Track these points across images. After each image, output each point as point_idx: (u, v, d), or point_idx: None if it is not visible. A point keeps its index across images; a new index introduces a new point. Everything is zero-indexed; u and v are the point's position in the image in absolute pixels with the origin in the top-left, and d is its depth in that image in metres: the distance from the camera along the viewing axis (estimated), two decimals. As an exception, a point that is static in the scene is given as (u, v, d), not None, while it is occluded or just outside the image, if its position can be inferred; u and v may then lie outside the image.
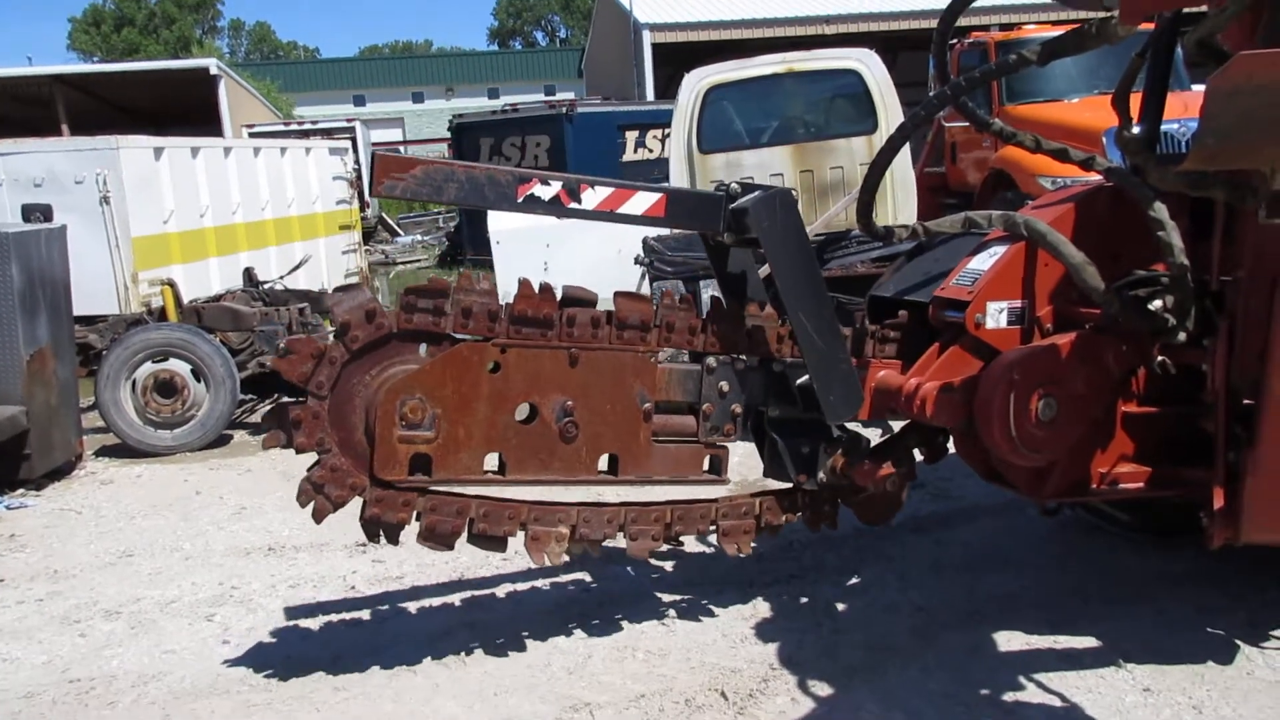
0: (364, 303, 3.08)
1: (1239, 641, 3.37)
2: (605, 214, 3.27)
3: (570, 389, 3.25)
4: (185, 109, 19.32)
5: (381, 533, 3.25)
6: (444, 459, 3.15)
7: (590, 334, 3.26)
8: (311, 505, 3.11)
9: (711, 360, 3.42)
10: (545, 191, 3.17)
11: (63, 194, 8.44)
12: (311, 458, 3.11)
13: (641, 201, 3.29)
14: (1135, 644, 3.38)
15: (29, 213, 7.90)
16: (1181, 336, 3.03)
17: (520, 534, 3.33)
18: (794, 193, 3.41)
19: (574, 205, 3.21)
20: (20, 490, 5.85)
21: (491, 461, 3.27)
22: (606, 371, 3.29)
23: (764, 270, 3.57)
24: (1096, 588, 3.84)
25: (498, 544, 3.35)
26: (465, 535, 3.29)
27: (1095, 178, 3.53)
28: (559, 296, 3.24)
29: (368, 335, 3.08)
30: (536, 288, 3.21)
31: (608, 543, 3.48)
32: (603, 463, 3.39)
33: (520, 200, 3.14)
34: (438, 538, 3.25)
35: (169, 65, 22.04)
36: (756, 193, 3.33)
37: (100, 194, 8.52)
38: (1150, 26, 3.46)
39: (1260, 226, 2.81)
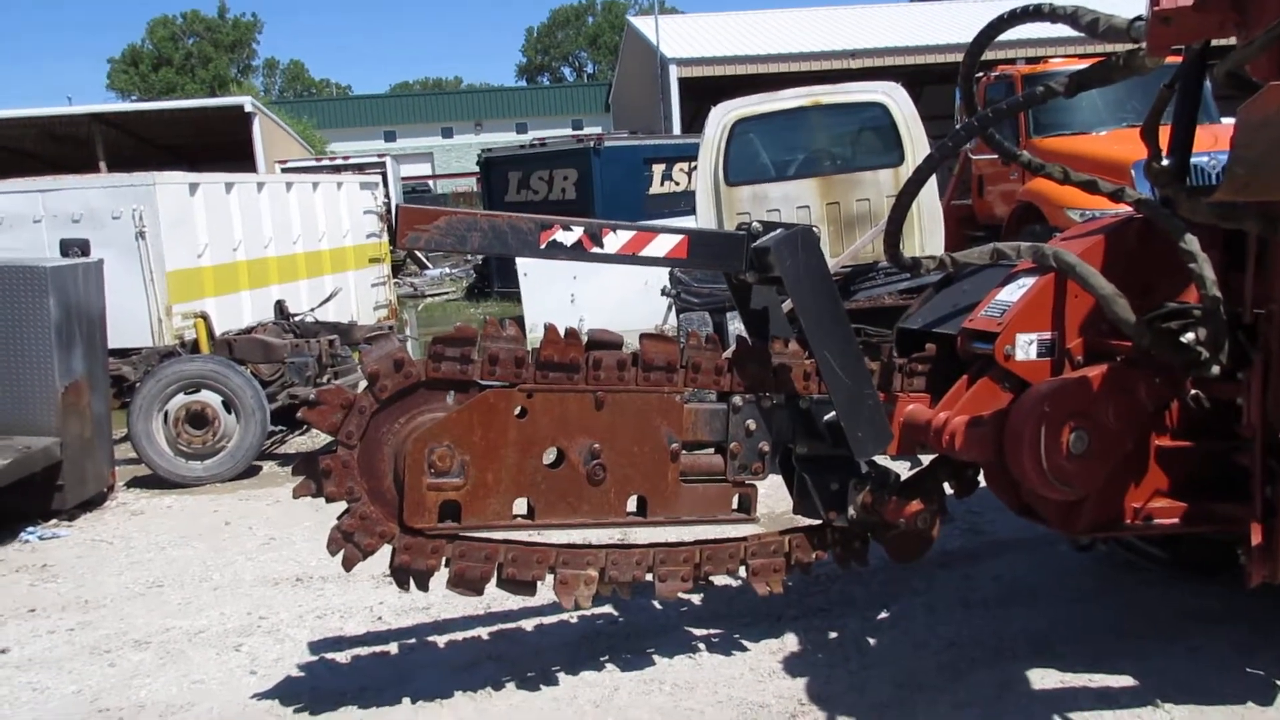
0: (392, 352, 3.11)
1: (1279, 682, 3.29)
2: (628, 257, 3.29)
3: (597, 432, 3.26)
4: (220, 146, 19.69)
5: (411, 579, 3.25)
6: (473, 505, 3.16)
7: (616, 377, 3.27)
8: (341, 554, 3.13)
9: (737, 399, 3.41)
10: (568, 237, 3.20)
11: (100, 229, 8.60)
12: (341, 505, 3.13)
13: (664, 243, 3.31)
14: (1172, 683, 3.31)
15: (67, 248, 8.04)
16: (1215, 370, 2.99)
17: (549, 577, 3.33)
18: (815, 229, 3.41)
19: (597, 250, 3.25)
20: (53, 521, 5.91)
21: (520, 506, 3.28)
22: (632, 413, 3.30)
23: (787, 305, 3.57)
24: (1131, 625, 3.77)
25: (527, 588, 3.35)
26: (495, 580, 3.30)
27: (1125, 210, 3.51)
28: (584, 341, 3.26)
29: (396, 384, 3.11)
30: (562, 332, 3.24)
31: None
32: (631, 504, 3.38)
33: (543, 247, 3.18)
34: (467, 583, 3.25)
35: (205, 103, 22.51)
36: (778, 231, 3.34)
37: (136, 229, 8.69)
38: (1178, 59, 3.45)
39: (1294, 259, 2.78)
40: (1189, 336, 3.01)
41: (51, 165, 17.53)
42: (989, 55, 3.66)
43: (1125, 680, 3.37)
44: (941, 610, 4.01)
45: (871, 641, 3.78)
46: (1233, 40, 2.77)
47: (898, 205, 3.44)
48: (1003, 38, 3.45)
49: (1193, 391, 3.20)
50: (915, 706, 3.29)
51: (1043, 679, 3.41)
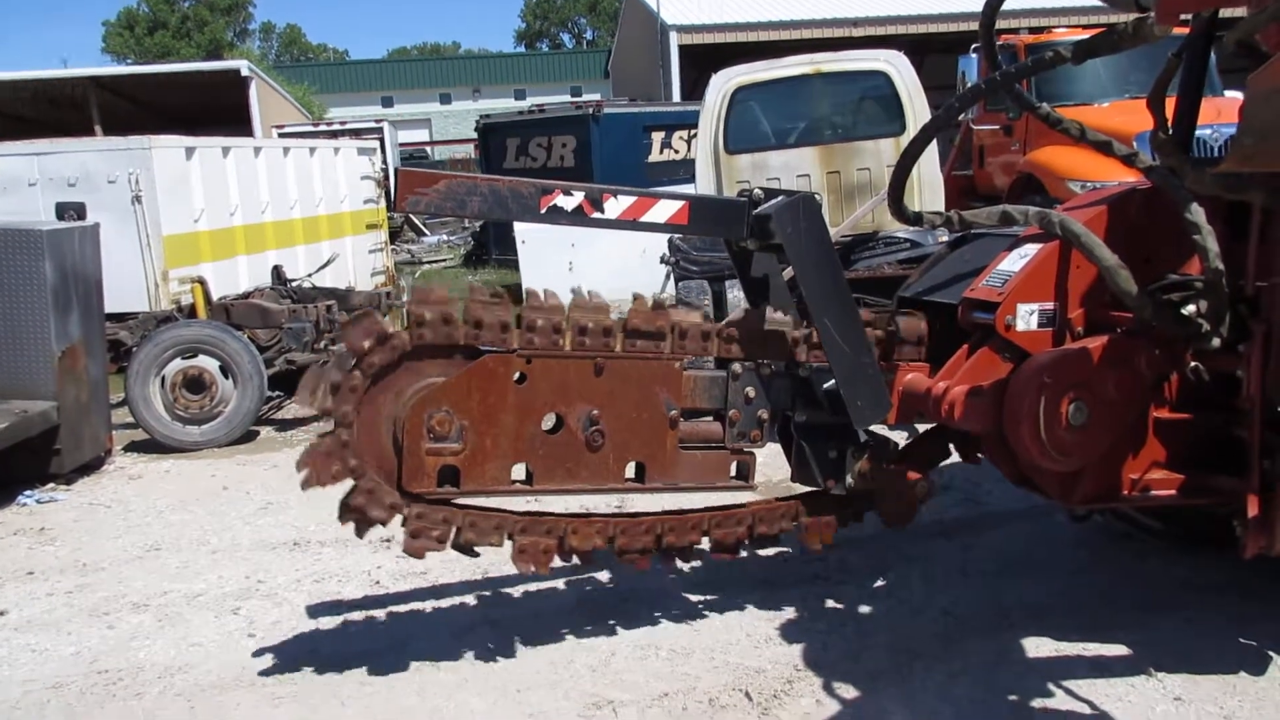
0: (374, 328, 3.06)
1: (1272, 653, 3.32)
2: (628, 223, 3.28)
3: (596, 398, 3.26)
4: (217, 110, 19.51)
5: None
6: (471, 470, 3.16)
7: (611, 344, 3.26)
8: (354, 528, 3.15)
9: (737, 366, 3.41)
10: (568, 202, 3.19)
11: (96, 193, 8.55)
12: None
13: (664, 209, 3.30)
14: (1166, 653, 3.34)
15: (63, 211, 8.00)
16: (1215, 342, 2.99)
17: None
18: (818, 197, 3.40)
19: (597, 215, 3.24)
20: (50, 485, 5.92)
21: (519, 472, 3.29)
22: (632, 380, 3.29)
23: (788, 273, 3.56)
24: (1127, 595, 3.79)
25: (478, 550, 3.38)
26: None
27: (1129, 180, 3.49)
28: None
29: (384, 359, 3.07)
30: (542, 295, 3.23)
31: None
32: (630, 470, 3.39)
33: (543, 211, 3.17)
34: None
35: (201, 67, 22.29)
36: (780, 198, 3.32)
37: (132, 193, 8.63)
38: (1185, 30, 3.42)
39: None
40: (1190, 308, 3.00)
41: (47, 128, 17.39)
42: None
43: (1120, 650, 3.39)
44: (939, 579, 4.03)
45: (867, 610, 3.80)
46: (1241, 10, 2.75)
47: (900, 165, 3.42)
48: (1007, 7, 3.42)
49: (1192, 364, 3.19)
50: (911, 674, 3.31)
51: (1038, 648, 3.43)
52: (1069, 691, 3.15)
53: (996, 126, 10.85)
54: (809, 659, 3.44)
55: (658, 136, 16.73)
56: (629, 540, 3.40)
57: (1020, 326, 3.22)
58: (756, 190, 3.43)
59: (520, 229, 11.41)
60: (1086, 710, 3.06)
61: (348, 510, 3.12)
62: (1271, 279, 2.94)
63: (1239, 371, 3.02)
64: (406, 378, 3.14)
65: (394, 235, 18.47)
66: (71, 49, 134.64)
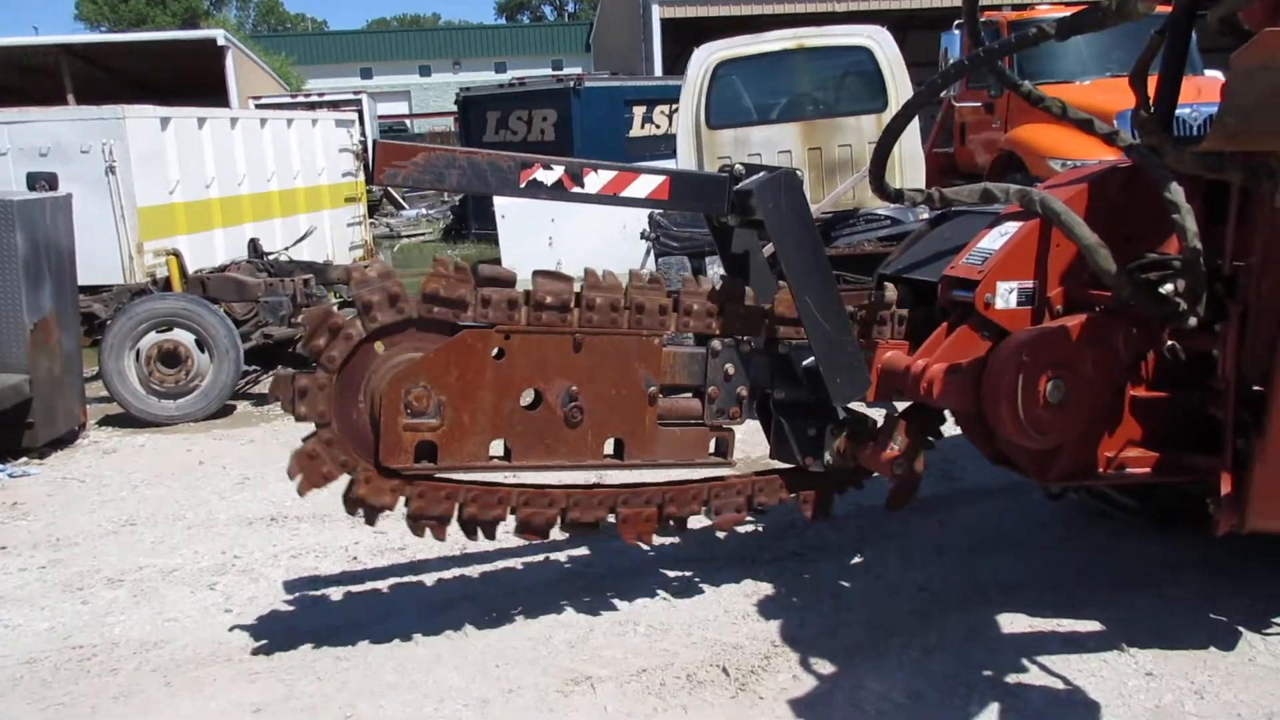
0: (331, 320, 3.02)
1: (1241, 628, 3.36)
2: (609, 197, 3.26)
3: (575, 374, 3.24)
4: (192, 80, 19.21)
5: (362, 512, 3.21)
6: (449, 446, 3.14)
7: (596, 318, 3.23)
8: (300, 477, 3.09)
9: (716, 343, 3.40)
10: (548, 176, 3.16)
11: (68, 163, 8.42)
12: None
13: (645, 184, 3.28)
14: (1138, 628, 3.37)
15: (34, 181, 7.86)
16: (1192, 321, 3.00)
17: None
18: (799, 173, 3.38)
19: (577, 189, 3.22)
20: (23, 459, 5.86)
21: (498, 448, 3.26)
22: (611, 356, 3.28)
23: (768, 249, 3.55)
24: (1101, 572, 3.83)
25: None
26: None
27: (1109, 158, 3.48)
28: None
29: (343, 351, 3.04)
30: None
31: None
32: (609, 447, 3.37)
33: (523, 185, 3.14)
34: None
35: (176, 36, 21.95)
36: (761, 174, 3.31)
37: (106, 164, 8.51)
38: (1168, 8, 3.41)
39: (1275, 211, 2.77)
40: (1168, 288, 3.01)
41: (17, 97, 17.07)
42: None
43: (1093, 625, 3.42)
44: (915, 556, 4.06)
45: (845, 586, 3.83)
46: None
47: (882, 142, 3.40)
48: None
49: (1169, 343, 3.20)
50: (887, 649, 3.33)
51: (1012, 624, 3.46)
52: (1042, 667, 3.18)
53: (978, 104, 10.83)
54: (786, 635, 3.45)
55: (639, 111, 16.68)
56: (425, 504, 3.23)
57: (999, 305, 3.22)
58: (738, 166, 3.41)
59: (500, 203, 11.35)
60: (1059, 685, 3.09)
61: (351, 503, 3.14)
62: (1248, 259, 2.95)
63: (1215, 351, 3.04)
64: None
65: (372, 209, 18.33)
66: (43, 16, 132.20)
